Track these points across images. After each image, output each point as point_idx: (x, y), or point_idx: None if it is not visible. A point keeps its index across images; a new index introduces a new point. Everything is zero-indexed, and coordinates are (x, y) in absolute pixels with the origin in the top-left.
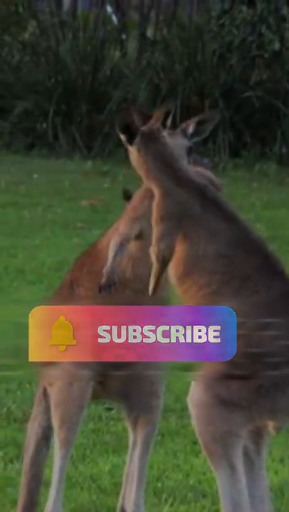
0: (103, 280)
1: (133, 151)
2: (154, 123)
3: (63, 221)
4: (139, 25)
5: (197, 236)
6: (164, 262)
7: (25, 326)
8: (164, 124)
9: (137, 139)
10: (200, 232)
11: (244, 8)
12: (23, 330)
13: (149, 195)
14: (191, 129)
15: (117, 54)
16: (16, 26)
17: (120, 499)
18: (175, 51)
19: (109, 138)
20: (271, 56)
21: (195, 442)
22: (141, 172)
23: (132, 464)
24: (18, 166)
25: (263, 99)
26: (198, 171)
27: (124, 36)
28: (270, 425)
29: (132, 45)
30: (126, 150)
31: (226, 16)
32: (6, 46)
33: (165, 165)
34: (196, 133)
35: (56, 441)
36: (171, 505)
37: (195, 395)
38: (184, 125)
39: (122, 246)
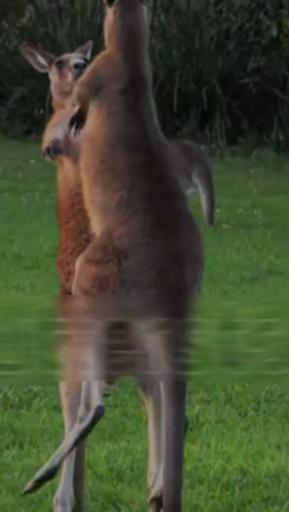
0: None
1: (109, 13)
2: None
3: None
4: None
5: (100, 111)
6: (77, 100)
7: (23, 311)
8: None
9: (117, 1)
10: (104, 109)
11: None
12: (21, 315)
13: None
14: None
15: None
16: (13, 12)
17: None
18: (172, 37)
19: None
20: (269, 43)
21: (191, 429)
22: (106, 33)
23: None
24: (15, 152)
25: (260, 85)
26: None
27: None
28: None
29: None
30: None
31: (224, 2)
32: (3, 32)
33: (130, 36)
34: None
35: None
36: None
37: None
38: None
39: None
